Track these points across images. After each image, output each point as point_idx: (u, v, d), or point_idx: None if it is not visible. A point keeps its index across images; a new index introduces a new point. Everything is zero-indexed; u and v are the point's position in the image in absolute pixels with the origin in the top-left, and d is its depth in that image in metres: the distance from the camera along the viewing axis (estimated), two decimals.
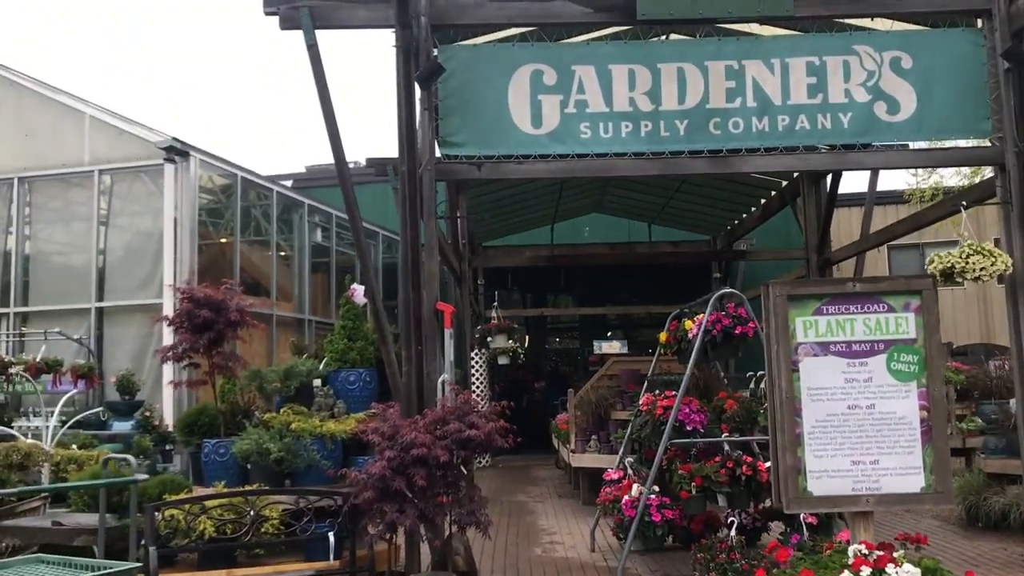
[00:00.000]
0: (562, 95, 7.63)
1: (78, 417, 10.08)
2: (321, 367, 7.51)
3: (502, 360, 13.78)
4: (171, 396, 11.78)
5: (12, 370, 11.65)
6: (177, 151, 12.28)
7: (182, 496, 6.31)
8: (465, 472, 6.45)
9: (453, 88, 7.56)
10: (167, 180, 12.33)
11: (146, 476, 3.75)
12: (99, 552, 3.55)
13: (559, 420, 12.72)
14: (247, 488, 6.53)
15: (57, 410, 7.28)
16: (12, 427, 11.99)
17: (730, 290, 7.64)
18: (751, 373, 8.41)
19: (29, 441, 7.07)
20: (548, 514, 10.76)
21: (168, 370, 11.30)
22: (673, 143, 7.66)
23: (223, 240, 14.24)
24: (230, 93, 67.30)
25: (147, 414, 11.62)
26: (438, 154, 7.71)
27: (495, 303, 14.20)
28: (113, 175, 12.93)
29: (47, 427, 7.15)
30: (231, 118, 63.78)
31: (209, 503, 6.21)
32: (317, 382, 7.33)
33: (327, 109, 7.32)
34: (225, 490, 6.53)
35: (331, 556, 6.41)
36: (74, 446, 8.37)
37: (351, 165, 18.14)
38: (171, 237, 12.24)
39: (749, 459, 7.08)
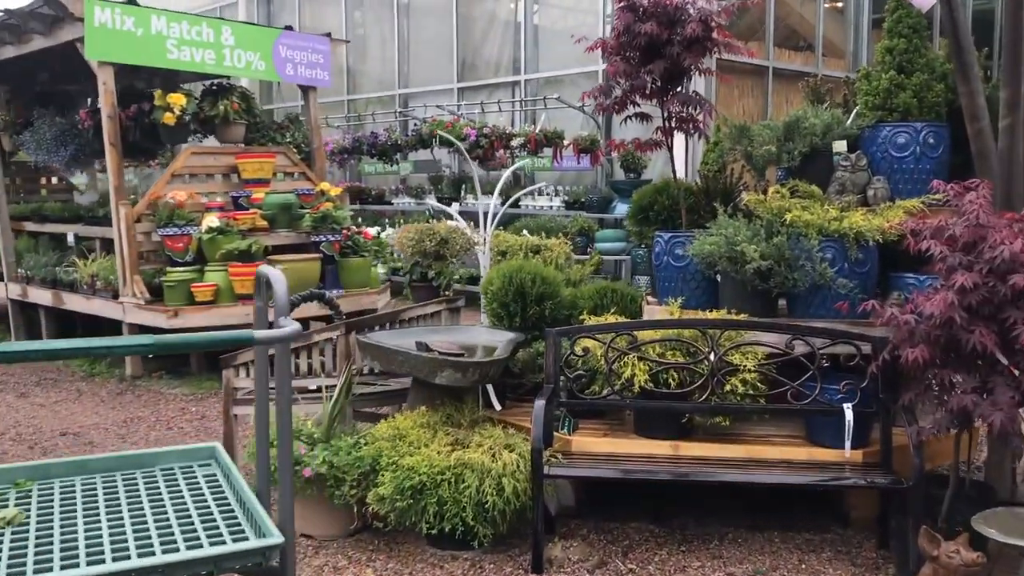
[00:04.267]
0: None
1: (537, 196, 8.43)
2: (848, 122, 4.48)
3: None
4: (685, 173, 9.57)
5: (513, 143, 10.54)
6: None
7: (597, 322, 4.05)
8: None
9: None
10: None
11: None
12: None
13: None
14: (709, 317, 4.03)
15: (498, 188, 5.52)
16: (520, 206, 11.10)
17: None
18: None
19: (450, 224, 5.41)
20: None
21: (678, 140, 9.07)
22: None
23: None
24: None
25: None
26: None
27: None
28: None
29: (488, 207, 5.40)
30: None
31: (642, 334, 3.87)
32: (840, 146, 4.35)
33: None
34: (676, 316, 4.12)
35: (846, 443, 3.73)
36: (525, 232, 6.67)
37: None
38: None
39: None
